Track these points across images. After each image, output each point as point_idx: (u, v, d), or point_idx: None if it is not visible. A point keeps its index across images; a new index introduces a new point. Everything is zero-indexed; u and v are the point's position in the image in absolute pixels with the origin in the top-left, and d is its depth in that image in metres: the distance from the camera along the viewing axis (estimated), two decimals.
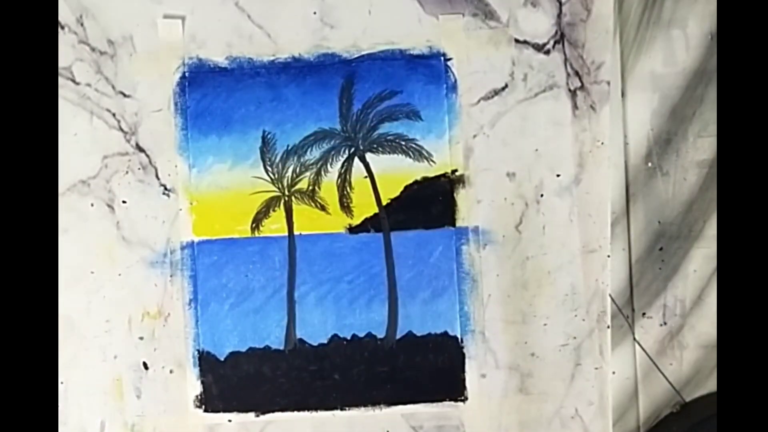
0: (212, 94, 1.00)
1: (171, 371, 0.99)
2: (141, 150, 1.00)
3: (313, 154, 1.00)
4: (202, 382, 0.99)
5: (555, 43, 0.99)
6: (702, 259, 0.97)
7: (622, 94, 0.98)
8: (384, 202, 0.99)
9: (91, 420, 0.99)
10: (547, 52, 0.99)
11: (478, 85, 0.99)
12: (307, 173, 1.00)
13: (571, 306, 0.98)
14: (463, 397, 0.98)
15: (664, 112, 0.97)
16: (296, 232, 0.99)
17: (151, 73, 1.00)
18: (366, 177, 0.99)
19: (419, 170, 0.99)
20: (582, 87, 0.99)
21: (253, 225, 0.99)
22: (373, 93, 1.00)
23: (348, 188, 0.99)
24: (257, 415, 0.99)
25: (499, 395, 0.98)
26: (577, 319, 0.98)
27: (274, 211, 1.00)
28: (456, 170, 0.99)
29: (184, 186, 1.00)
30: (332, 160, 1.00)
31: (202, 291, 0.99)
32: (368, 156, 0.99)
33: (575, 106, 0.99)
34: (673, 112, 0.97)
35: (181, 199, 1.00)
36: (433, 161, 0.99)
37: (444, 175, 0.99)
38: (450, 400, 0.98)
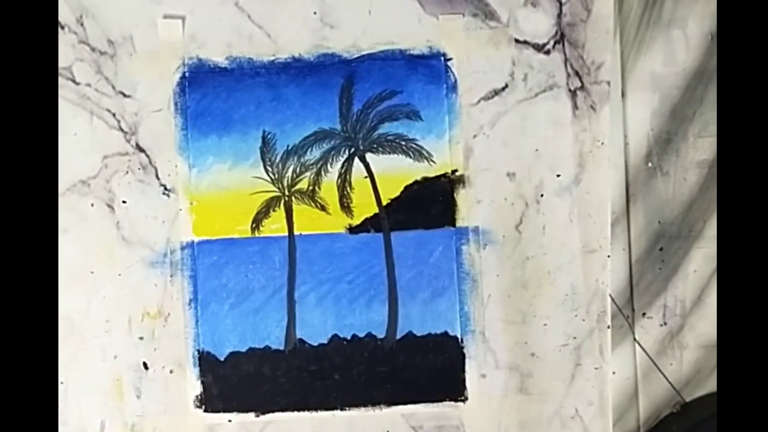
0: (212, 94, 1.00)
1: (171, 371, 0.99)
2: (141, 150, 1.00)
3: (313, 154, 1.00)
4: (202, 382, 0.99)
5: (555, 43, 0.99)
6: (702, 259, 0.97)
7: (622, 94, 0.98)
8: (384, 202, 0.99)
9: (91, 420, 0.99)
10: (547, 52, 0.99)
11: (478, 85, 0.99)
12: (307, 173, 1.00)
13: (571, 306, 0.98)
14: (463, 397, 0.98)
15: (664, 112, 0.97)
16: (296, 232, 0.99)
17: (151, 73, 1.00)
18: (366, 177, 0.99)
19: (419, 170, 0.99)
20: (582, 87, 0.99)
21: (253, 225, 0.99)
22: (373, 93, 1.00)
23: (348, 188, 0.99)
24: (257, 415, 0.99)
25: (499, 395, 0.98)
26: (577, 319, 0.98)
27: (274, 211, 1.00)
28: (456, 170, 0.99)
29: (184, 186, 1.00)
30: (332, 160, 1.00)
31: (202, 291, 0.99)
32: (368, 156, 0.99)
33: (575, 106, 0.99)
34: (673, 112, 0.97)
35: (181, 199, 1.00)
36: (433, 161, 0.99)
37: (444, 175, 0.99)
38: (450, 400, 0.98)
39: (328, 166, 1.00)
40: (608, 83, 0.98)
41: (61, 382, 0.99)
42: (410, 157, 0.99)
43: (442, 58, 0.99)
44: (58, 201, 0.98)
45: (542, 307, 0.98)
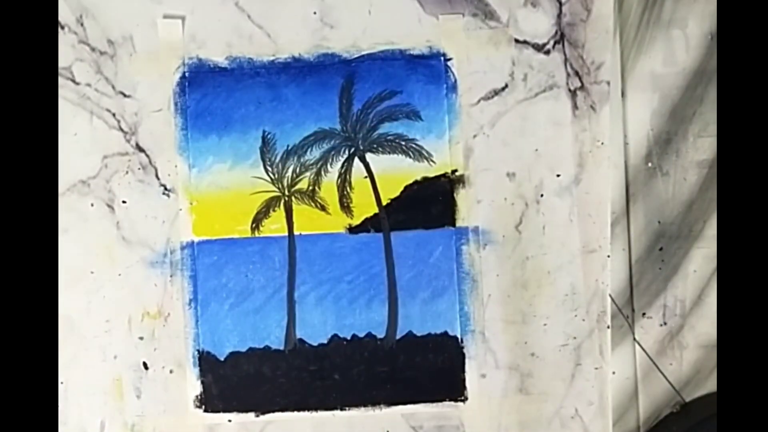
0: (212, 94, 1.00)
1: (171, 371, 0.99)
2: (141, 150, 1.00)
3: (313, 154, 1.00)
4: (202, 382, 0.99)
5: (555, 43, 0.99)
6: (702, 259, 0.97)
7: (622, 94, 0.98)
8: (384, 202, 0.99)
9: (91, 420, 0.99)
10: (547, 52, 0.99)
11: (478, 85, 0.99)
12: (307, 173, 1.00)
13: (571, 306, 0.98)
14: (463, 397, 0.98)
15: (664, 112, 0.97)
16: (296, 232, 0.99)
17: (151, 73, 1.00)
18: (366, 177, 0.99)
19: (419, 170, 0.99)
20: (582, 87, 0.99)
21: (253, 225, 0.99)
22: (373, 93, 1.00)
23: (348, 188, 0.99)
24: (257, 415, 0.99)
25: (499, 395, 0.98)
26: (577, 319, 0.98)
27: (274, 211, 1.00)
28: (456, 170, 0.99)
29: (184, 186, 1.00)
30: (332, 160, 1.00)
31: (202, 291, 0.99)
32: (368, 156, 0.99)
33: (575, 106, 0.99)
34: (673, 112, 0.97)
35: (181, 199, 1.00)
36: (433, 161, 0.99)
37: (444, 175, 0.99)
38: (450, 400, 0.98)
39: (328, 166, 1.00)
40: (608, 83, 0.98)
41: (61, 382, 0.99)
42: (410, 157, 0.99)
43: (442, 58, 0.99)
44: (58, 201, 0.98)
45: (542, 307, 0.98)
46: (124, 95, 1.00)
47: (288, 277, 0.99)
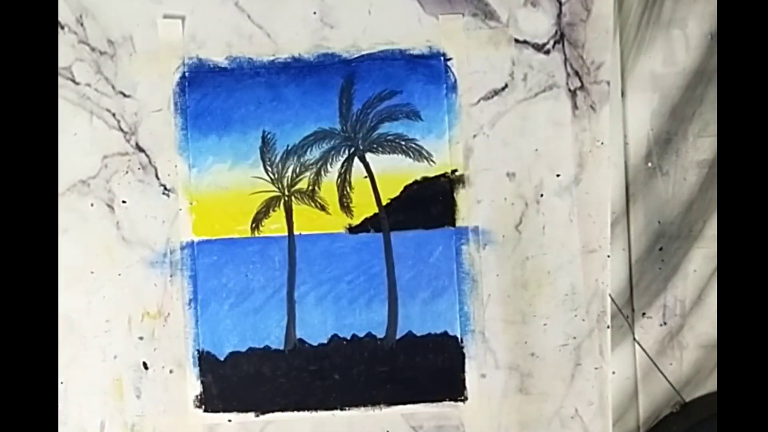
0: (212, 94, 1.00)
1: (171, 371, 0.99)
2: (141, 150, 1.00)
3: (313, 154, 1.00)
4: (202, 382, 0.99)
5: (555, 43, 0.99)
6: (702, 259, 0.97)
7: (622, 94, 0.98)
8: (384, 202, 0.99)
9: (91, 420, 0.99)
10: (547, 52, 0.99)
11: (478, 85, 0.99)
12: (307, 173, 1.00)
13: (571, 306, 0.98)
14: (463, 397, 0.98)
15: (664, 112, 0.97)
16: (296, 232, 0.99)
17: (151, 73, 1.00)
18: (366, 177, 0.99)
19: (419, 170, 0.99)
20: (582, 87, 0.99)
21: (253, 225, 0.99)
22: (373, 93, 1.00)
23: (348, 188, 0.99)
24: (257, 415, 0.99)
25: (499, 395, 0.98)
26: (577, 319, 0.98)
27: (274, 211, 1.00)
28: (456, 170, 0.99)
29: (184, 186, 1.00)
30: (332, 160, 1.00)
31: (202, 291, 0.99)
32: (368, 156, 0.99)
33: (575, 106, 0.99)
34: (673, 112, 0.97)
35: (181, 199, 1.00)
36: (433, 161, 0.99)
37: (444, 175, 0.99)
38: (450, 400, 0.98)
39: (328, 166, 1.00)
40: (608, 83, 0.98)
41: (61, 382, 0.99)
42: (410, 157, 0.99)
43: (442, 58, 0.99)
44: (58, 201, 0.98)
45: (542, 307, 0.98)
46: (124, 95, 1.00)
47: (288, 277, 0.99)
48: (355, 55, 0.99)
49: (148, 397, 0.99)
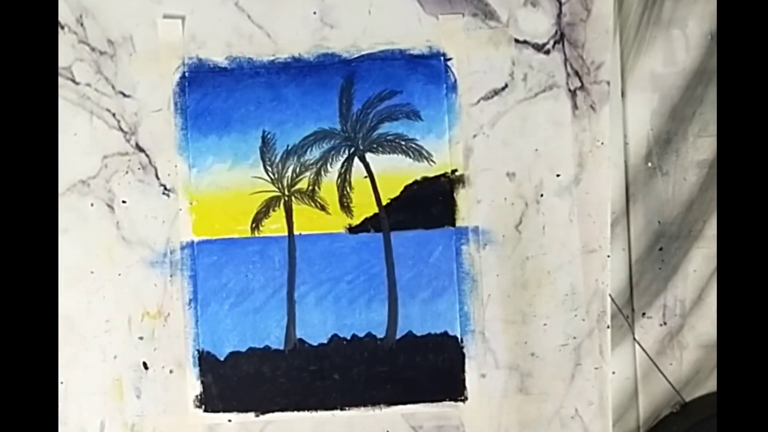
0: (212, 94, 1.00)
1: (171, 371, 0.99)
2: (141, 150, 1.00)
3: (313, 154, 1.00)
4: (202, 382, 0.99)
5: (555, 43, 0.99)
6: (702, 259, 0.97)
7: (622, 94, 0.98)
8: (384, 202, 0.99)
9: (91, 420, 0.99)
10: (547, 52, 0.99)
11: (478, 85, 0.99)
12: (307, 173, 1.00)
13: (571, 306, 0.98)
14: (463, 397, 0.98)
15: (664, 112, 0.97)
16: (296, 232, 0.99)
17: (151, 73, 1.00)
18: (366, 177, 0.99)
19: (419, 170, 0.99)
20: (582, 87, 0.99)
21: (253, 225, 0.99)
22: (373, 93, 1.00)
23: (348, 188, 0.99)
24: (257, 415, 0.99)
25: (499, 395, 0.98)
26: (577, 319, 0.98)
27: (274, 211, 1.00)
28: (456, 170, 0.99)
29: (184, 186, 1.00)
30: (332, 160, 1.00)
31: (202, 291, 0.99)
32: (368, 156, 0.99)
33: (575, 106, 0.99)
34: (673, 112, 0.97)
35: (181, 199, 1.00)
36: (433, 161, 0.99)
37: (444, 175, 0.99)
38: (450, 400, 0.98)
39: (328, 166, 1.00)
40: (608, 83, 0.98)
41: (61, 382, 0.99)
42: (410, 157, 0.99)
43: (442, 58, 0.99)
44: (58, 201, 0.98)
45: (542, 307, 0.98)
46: (124, 95, 1.00)
47: (288, 277, 0.99)
48: (355, 55, 0.99)
49: (148, 397, 0.99)
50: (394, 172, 0.99)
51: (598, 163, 0.98)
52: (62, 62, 0.99)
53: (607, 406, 0.97)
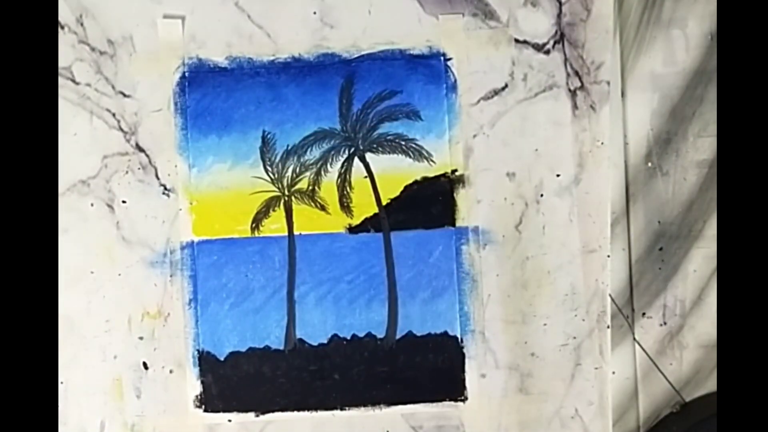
0: (212, 94, 1.00)
1: (171, 371, 0.99)
2: (141, 150, 1.00)
3: (313, 154, 1.00)
4: (202, 382, 0.99)
5: (555, 43, 0.99)
6: (702, 259, 0.97)
7: (622, 94, 0.98)
8: (384, 202, 0.99)
9: (91, 420, 0.99)
10: (547, 52, 0.99)
11: (478, 85, 0.99)
12: (307, 173, 1.00)
13: (571, 306, 0.98)
14: (463, 397, 0.98)
15: (664, 112, 0.97)
16: (296, 232, 0.99)
17: (151, 73, 1.00)
18: (366, 177, 0.99)
19: (419, 170, 0.99)
20: (582, 87, 0.99)
21: (253, 225, 0.99)
22: (373, 93, 1.00)
23: (348, 188, 0.99)
24: (257, 415, 0.99)
25: (499, 395, 0.98)
26: (577, 319, 0.98)
27: (274, 211, 1.00)
28: (456, 170, 0.99)
29: (184, 186, 1.00)
30: (332, 160, 1.00)
31: (202, 291, 0.99)
32: (368, 156, 0.99)
33: (575, 106, 0.99)
34: (673, 112, 0.97)
35: (181, 199, 1.00)
36: (433, 161, 0.99)
37: (444, 175, 0.99)
38: (450, 400, 0.98)
39: (328, 165, 1.00)
40: (608, 83, 0.98)
41: (61, 382, 0.99)
42: (410, 157, 0.99)
43: (442, 58, 0.99)
44: (58, 201, 0.98)
45: (542, 307, 0.98)
46: (124, 95, 1.00)
47: (288, 277, 0.99)
48: (355, 55, 0.99)
49: (148, 397, 0.99)
50: (394, 172, 0.99)
51: (598, 163, 0.98)
52: (62, 62, 0.99)
53: (607, 406, 0.97)
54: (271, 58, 1.00)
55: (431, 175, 0.99)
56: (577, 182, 0.98)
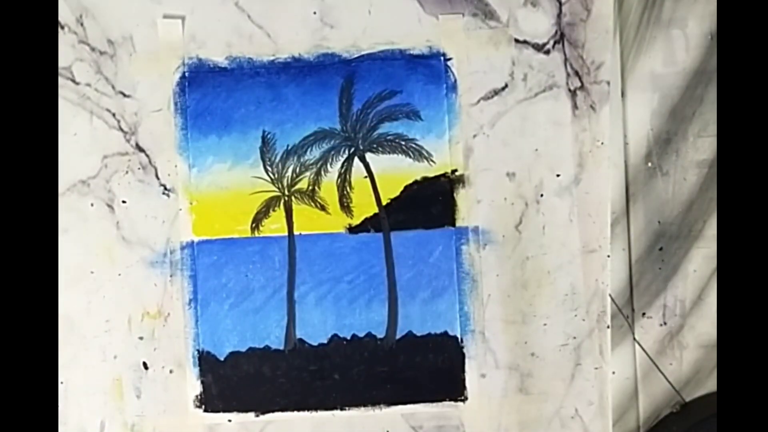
0: (212, 94, 1.00)
1: (171, 371, 0.99)
2: (141, 150, 1.00)
3: (313, 154, 1.00)
4: (202, 382, 0.99)
5: (555, 43, 0.99)
6: (702, 259, 0.97)
7: (622, 94, 0.98)
8: (384, 202, 0.99)
9: (91, 420, 0.99)
10: (547, 52, 0.99)
11: (478, 85, 0.99)
12: (307, 173, 1.00)
13: (571, 306, 0.98)
14: (463, 397, 0.98)
15: (664, 112, 0.97)
16: (296, 232, 0.99)
17: (151, 73, 1.00)
18: (366, 177, 0.99)
19: (419, 170, 0.99)
20: (582, 87, 0.99)
21: (253, 225, 0.99)
22: (373, 93, 1.00)
23: (348, 188, 0.99)
24: (257, 415, 0.99)
25: (499, 395, 0.98)
26: (577, 319, 0.98)
27: (274, 211, 1.00)
28: (456, 170, 0.99)
29: (184, 186, 1.00)
30: (332, 160, 1.00)
31: (202, 291, 0.99)
32: (368, 156, 1.00)
33: (575, 106, 0.99)
34: (673, 112, 0.97)
35: (181, 199, 1.00)
36: (433, 161, 0.99)
37: (444, 175, 0.99)
38: (450, 400, 0.98)
39: (328, 165, 1.00)
40: (608, 83, 0.98)
41: (61, 382, 0.99)
42: (410, 157, 0.99)
43: (442, 58, 0.99)
44: (58, 201, 0.98)
45: (542, 307, 0.98)
46: (124, 95, 1.00)
47: (288, 277, 0.99)
48: (355, 55, 0.99)
49: (148, 397, 0.99)
50: (394, 172, 0.99)
51: (598, 163, 0.98)
52: (62, 62, 0.99)
53: (607, 406, 0.97)
54: (271, 58, 1.00)
55: (431, 175, 0.99)
56: (577, 182, 0.98)
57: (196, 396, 0.99)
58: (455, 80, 0.99)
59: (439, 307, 0.98)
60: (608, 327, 0.98)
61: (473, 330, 0.98)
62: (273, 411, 0.99)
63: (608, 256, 0.98)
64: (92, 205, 0.99)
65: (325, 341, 0.99)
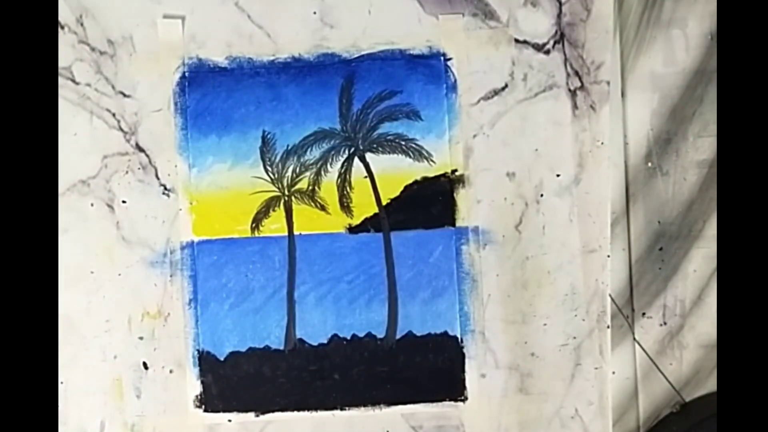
0: (212, 94, 1.00)
1: (171, 371, 0.99)
2: (141, 150, 1.00)
3: (313, 154, 1.00)
4: (202, 382, 0.99)
5: (555, 43, 0.99)
6: (702, 259, 0.97)
7: (622, 94, 0.98)
8: (384, 202, 0.99)
9: (91, 420, 0.99)
10: (547, 52, 0.99)
11: (478, 85, 0.99)
12: (307, 173, 1.00)
13: (571, 306, 0.98)
14: (463, 397, 0.98)
15: (664, 112, 0.97)
16: (296, 232, 0.99)
17: (151, 73, 1.00)
18: (366, 177, 0.99)
19: (419, 170, 0.99)
20: (582, 87, 0.99)
21: (253, 225, 0.99)
22: (373, 93, 1.00)
23: (348, 188, 0.99)
24: (257, 415, 0.99)
25: (499, 395, 0.98)
26: (577, 319, 0.98)
27: (274, 211, 1.00)
28: (456, 170, 0.99)
29: (184, 186, 1.00)
30: (332, 160, 1.00)
31: (202, 291, 0.99)
32: (368, 156, 1.00)
33: (575, 106, 0.99)
34: (673, 112, 0.97)
35: (181, 199, 1.00)
36: (433, 161, 0.99)
37: (444, 175, 0.99)
38: (450, 400, 0.98)
39: (328, 165, 1.00)
40: (608, 83, 0.98)
41: (61, 382, 0.99)
42: (410, 157, 0.99)
43: (442, 58, 0.99)
44: (58, 201, 0.98)
45: (542, 307, 0.98)
46: (124, 95, 1.00)
47: (288, 277, 0.99)
48: (355, 55, 1.00)
49: (148, 397, 0.99)
50: (394, 172, 0.99)
51: (598, 163, 0.98)
52: (62, 62, 0.99)
53: (607, 406, 0.97)
54: (271, 58, 1.00)
55: (431, 175, 0.99)
56: (577, 182, 0.98)
57: (196, 396, 0.99)
58: (455, 80, 0.99)
59: (439, 307, 0.98)
60: (608, 327, 0.98)
61: (473, 330, 0.98)
62: (273, 411, 0.99)
63: (608, 256, 0.98)
64: (92, 205, 0.99)
65: (325, 341, 0.99)
